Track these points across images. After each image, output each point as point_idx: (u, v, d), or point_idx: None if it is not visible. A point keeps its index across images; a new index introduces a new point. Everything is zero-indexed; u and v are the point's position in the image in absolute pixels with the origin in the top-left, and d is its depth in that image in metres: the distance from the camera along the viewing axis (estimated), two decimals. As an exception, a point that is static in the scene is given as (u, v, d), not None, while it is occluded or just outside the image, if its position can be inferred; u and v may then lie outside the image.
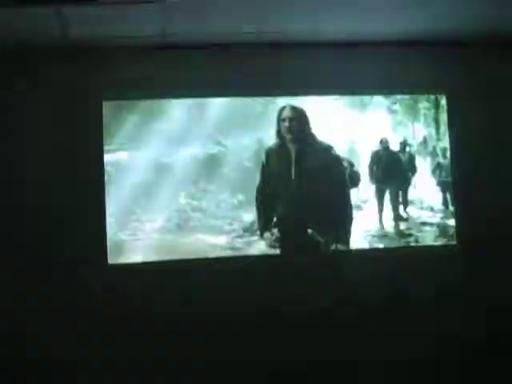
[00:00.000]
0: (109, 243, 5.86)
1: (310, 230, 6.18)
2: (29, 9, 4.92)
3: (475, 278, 6.20)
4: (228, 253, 6.06)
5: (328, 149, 6.30)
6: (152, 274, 5.86)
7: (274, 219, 6.24)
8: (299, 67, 6.15)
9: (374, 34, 5.99)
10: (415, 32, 5.99)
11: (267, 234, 6.22)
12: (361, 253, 6.26)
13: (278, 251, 6.19)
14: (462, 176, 6.39)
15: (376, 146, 6.47)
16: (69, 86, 5.93)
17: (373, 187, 6.45)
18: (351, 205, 6.33)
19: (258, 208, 6.27)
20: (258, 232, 6.21)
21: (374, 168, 6.47)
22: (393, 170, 6.50)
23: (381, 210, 6.44)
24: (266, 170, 6.30)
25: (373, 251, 6.30)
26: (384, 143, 6.47)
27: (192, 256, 5.96)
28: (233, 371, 5.84)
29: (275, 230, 6.21)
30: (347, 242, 6.28)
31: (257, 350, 5.88)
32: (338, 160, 6.33)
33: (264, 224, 6.25)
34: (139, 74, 5.94)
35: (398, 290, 6.08)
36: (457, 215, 6.38)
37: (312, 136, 6.31)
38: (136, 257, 5.88)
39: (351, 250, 6.28)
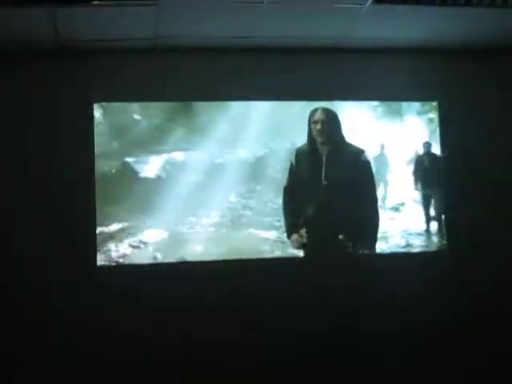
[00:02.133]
0: (170, 235, 6.12)
1: (340, 236, 6.24)
2: (20, 9, 5.04)
3: (464, 282, 6.29)
4: (276, 245, 6.24)
5: (359, 153, 6.34)
6: (140, 276, 5.97)
7: (302, 221, 6.31)
8: (289, 72, 6.25)
9: (363, 41, 6.15)
10: (405, 40, 6.14)
11: (295, 236, 6.31)
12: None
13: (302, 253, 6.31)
14: (453, 181, 6.47)
15: (419, 151, 6.57)
16: (60, 86, 6.02)
17: (416, 193, 6.55)
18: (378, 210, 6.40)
19: (285, 209, 6.36)
20: (285, 234, 6.32)
21: (418, 174, 6.56)
22: (435, 175, 6.57)
23: (428, 218, 6.54)
24: (295, 171, 6.38)
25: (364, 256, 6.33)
26: (426, 147, 6.56)
27: (245, 248, 6.21)
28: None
29: (303, 231, 6.29)
30: (373, 247, 6.36)
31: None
32: (368, 165, 6.37)
33: (291, 225, 6.34)
34: (130, 76, 6.06)
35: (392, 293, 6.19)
36: (446, 220, 6.44)
37: (343, 139, 6.35)
38: (197, 247, 6.18)
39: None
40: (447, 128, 6.49)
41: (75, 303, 5.82)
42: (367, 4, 5.33)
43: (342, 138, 6.37)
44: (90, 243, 5.95)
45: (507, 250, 6.39)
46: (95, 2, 5.01)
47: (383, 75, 6.37)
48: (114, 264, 6.05)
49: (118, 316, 5.83)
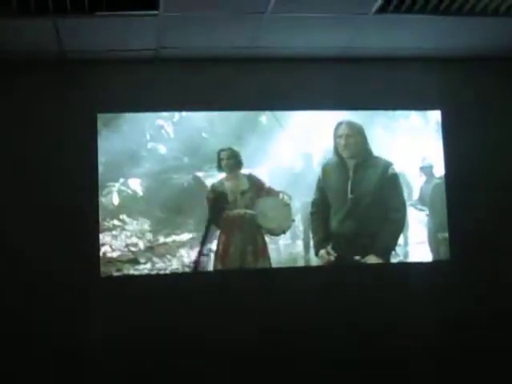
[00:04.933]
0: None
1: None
2: (24, 20, 5.08)
3: (468, 293, 6.23)
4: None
5: (387, 165, 6.29)
6: (142, 286, 5.99)
7: (327, 236, 6.27)
8: (292, 82, 6.23)
9: (366, 50, 6.12)
10: (409, 49, 6.11)
11: (323, 252, 6.26)
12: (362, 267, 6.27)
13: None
14: (456, 192, 6.38)
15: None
16: (63, 97, 6.02)
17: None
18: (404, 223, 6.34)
19: (312, 224, 6.32)
20: (313, 250, 6.28)
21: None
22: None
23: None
24: (322, 185, 6.32)
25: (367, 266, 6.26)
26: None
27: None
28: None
29: (329, 248, 6.24)
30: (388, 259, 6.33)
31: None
32: (396, 177, 6.30)
33: (319, 241, 6.29)
34: (132, 86, 6.08)
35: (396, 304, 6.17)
36: (450, 230, 6.34)
37: (370, 152, 6.31)
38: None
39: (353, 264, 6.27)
40: (450, 137, 6.45)
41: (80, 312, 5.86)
42: (370, 14, 5.32)
43: (369, 150, 6.34)
44: (94, 253, 5.98)
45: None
46: (98, 13, 5.02)
47: (386, 84, 6.37)
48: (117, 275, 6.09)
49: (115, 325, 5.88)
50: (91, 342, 5.82)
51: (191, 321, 5.91)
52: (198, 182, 6.30)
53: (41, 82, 6.03)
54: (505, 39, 5.96)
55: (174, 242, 6.20)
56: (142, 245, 6.15)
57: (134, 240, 6.14)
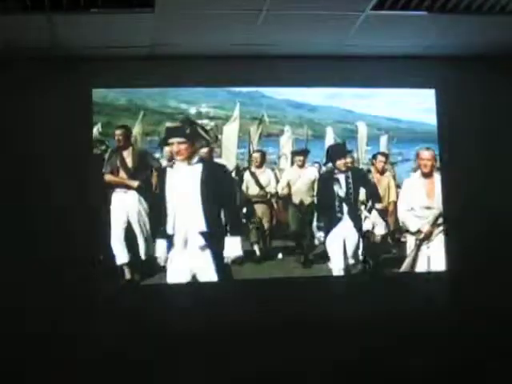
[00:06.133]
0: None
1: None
2: (20, 17, 5.05)
3: (463, 305, 6.17)
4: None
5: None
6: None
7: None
8: (289, 80, 6.24)
9: (362, 48, 6.12)
10: (404, 47, 6.14)
11: None
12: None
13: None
14: (452, 193, 6.37)
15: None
16: (57, 94, 5.99)
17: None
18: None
19: None
20: None
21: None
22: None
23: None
24: None
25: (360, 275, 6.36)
26: None
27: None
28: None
29: None
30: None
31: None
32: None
33: None
34: (127, 83, 6.12)
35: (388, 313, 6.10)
36: (446, 241, 6.33)
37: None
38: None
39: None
40: (445, 137, 6.45)
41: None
42: (367, 11, 5.30)
43: None
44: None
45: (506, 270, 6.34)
46: (93, 10, 5.01)
47: (382, 82, 6.39)
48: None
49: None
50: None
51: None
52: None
53: (35, 78, 5.98)
54: (501, 37, 5.94)
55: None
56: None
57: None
